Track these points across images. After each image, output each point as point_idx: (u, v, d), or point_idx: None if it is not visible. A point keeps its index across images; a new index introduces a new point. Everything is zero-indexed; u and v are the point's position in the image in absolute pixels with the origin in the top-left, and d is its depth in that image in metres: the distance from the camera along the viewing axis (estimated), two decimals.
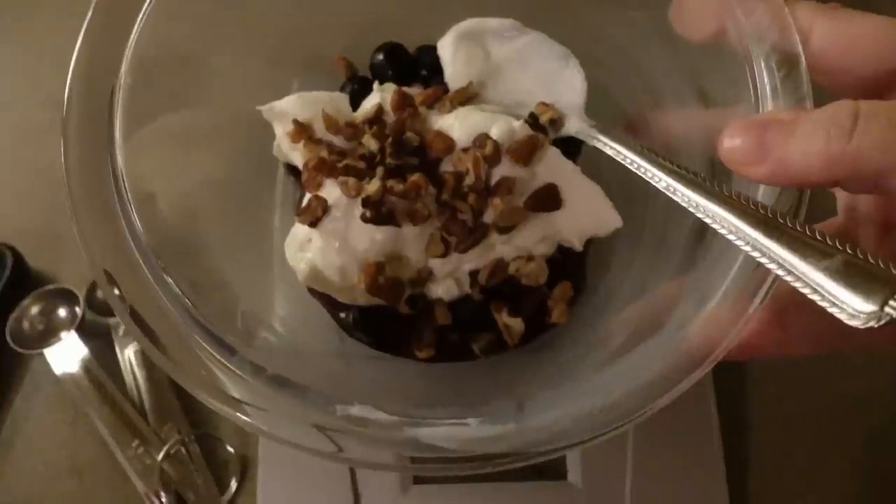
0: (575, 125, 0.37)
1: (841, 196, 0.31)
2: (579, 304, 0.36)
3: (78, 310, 0.48)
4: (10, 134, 0.57)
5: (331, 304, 0.37)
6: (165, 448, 0.44)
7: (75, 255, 0.50)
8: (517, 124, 0.35)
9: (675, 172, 0.29)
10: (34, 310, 0.48)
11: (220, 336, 0.29)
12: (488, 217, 0.34)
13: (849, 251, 0.23)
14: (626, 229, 0.35)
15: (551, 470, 0.42)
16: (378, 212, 0.33)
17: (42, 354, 0.47)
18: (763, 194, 0.28)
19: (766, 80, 0.30)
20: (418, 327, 0.36)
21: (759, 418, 0.45)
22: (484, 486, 0.42)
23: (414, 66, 0.41)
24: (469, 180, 0.34)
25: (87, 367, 0.47)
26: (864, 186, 0.25)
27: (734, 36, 0.31)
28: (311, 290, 0.37)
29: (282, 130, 0.38)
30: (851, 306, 0.21)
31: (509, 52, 0.40)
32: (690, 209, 0.28)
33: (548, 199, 0.35)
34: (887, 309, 0.21)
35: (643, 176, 0.30)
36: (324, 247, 0.34)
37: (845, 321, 0.22)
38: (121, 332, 0.48)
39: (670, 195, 0.29)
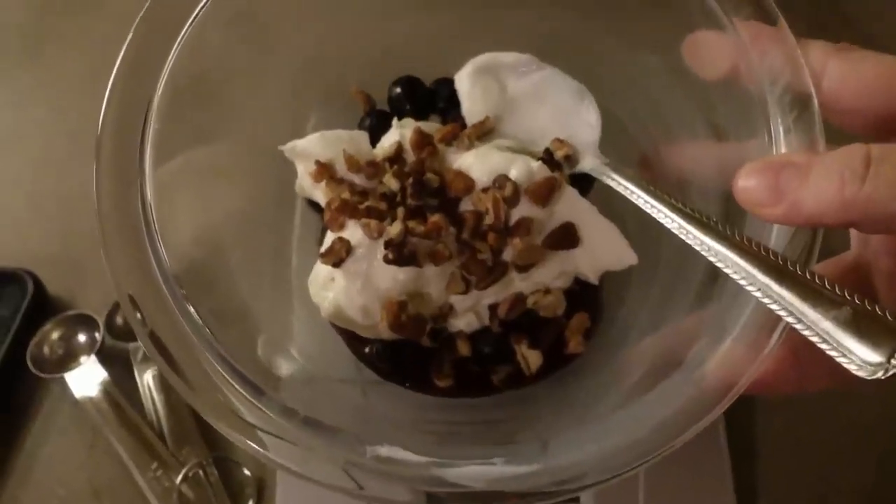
0: (589, 162, 0.37)
1: (854, 231, 0.32)
2: (596, 335, 0.36)
3: (97, 335, 0.49)
4: (32, 163, 0.58)
5: (353, 338, 0.37)
6: (184, 471, 0.45)
7: (95, 281, 0.52)
8: (535, 165, 0.35)
9: (687, 215, 0.30)
10: (54, 335, 0.49)
11: (244, 373, 0.30)
12: (507, 255, 0.35)
13: (857, 301, 0.23)
14: (642, 263, 0.35)
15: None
16: (400, 253, 0.33)
17: (62, 379, 0.48)
18: (777, 234, 0.28)
19: (779, 119, 0.30)
20: (438, 358, 0.36)
21: (768, 446, 0.46)
22: None
23: (431, 99, 0.42)
24: (489, 220, 0.34)
25: (106, 391, 0.47)
26: (877, 228, 0.25)
27: (747, 75, 0.32)
28: (334, 325, 0.37)
29: (304, 169, 0.38)
30: (859, 357, 0.22)
31: (525, 87, 0.40)
32: (702, 252, 0.28)
33: (565, 237, 0.35)
34: (894, 361, 0.21)
35: (655, 216, 0.31)
36: (347, 286, 0.35)
37: (853, 372, 0.22)
38: (139, 357, 0.48)
39: (682, 237, 0.29)
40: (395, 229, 0.34)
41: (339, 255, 0.35)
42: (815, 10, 0.57)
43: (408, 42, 0.42)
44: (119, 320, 0.49)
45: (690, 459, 0.43)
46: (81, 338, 0.49)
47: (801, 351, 0.28)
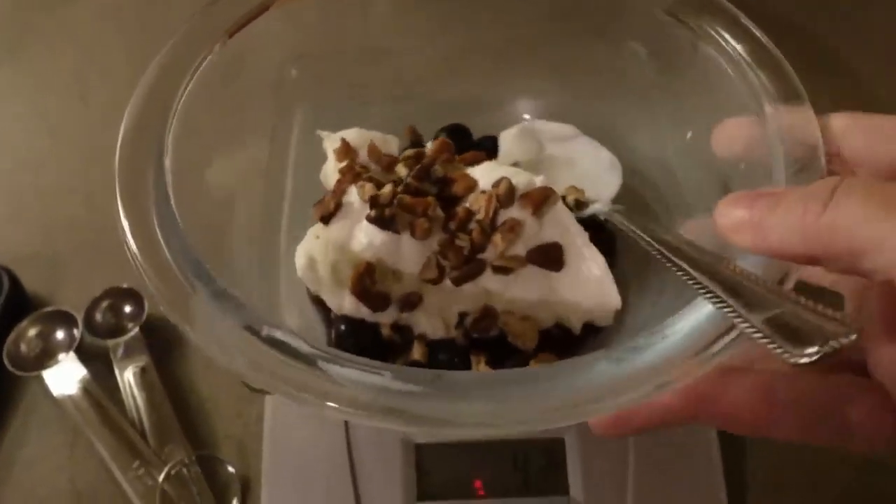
0: (598, 206, 0.39)
1: (847, 294, 0.30)
2: None
3: (76, 332, 0.48)
4: (10, 158, 0.57)
5: (327, 320, 0.38)
6: (166, 469, 0.44)
7: (73, 277, 0.51)
8: (537, 179, 0.36)
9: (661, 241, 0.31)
10: (32, 332, 0.48)
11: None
12: (488, 256, 0.35)
13: (791, 300, 0.23)
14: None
15: (553, 486, 0.42)
16: (382, 214, 0.35)
17: (40, 377, 0.47)
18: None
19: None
20: (392, 354, 0.37)
21: (759, 439, 0.44)
22: (486, 501, 0.42)
23: (474, 148, 0.43)
24: (479, 215, 0.35)
25: (85, 388, 0.47)
26: (840, 264, 0.23)
27: (762, 149, 0.33)
28: (315, 301, 0.38)
29: (332, 157, 0.40)
30: (792, 351, 0.22)
31: (561, 151, 0.43)
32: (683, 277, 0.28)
33: (549, 256, 0.36)
34: (821, 351, 0.21)
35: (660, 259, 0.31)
36: (325, 242, 0.36)
37: (785, 359, 0.22)
38: (119, 354, 0.48)
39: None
40: (385, 191, 0.35)
41: (327, 208, 0.36)
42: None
43: (467, 94, 0.46)
44: (98, 317, 0.49)
45: (681, 450, 0.42)
46: (60, 335, 0.48)
47: (775, 388, 0.26)
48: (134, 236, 0.30)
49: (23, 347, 0.48)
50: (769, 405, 0.26)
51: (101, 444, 0.45)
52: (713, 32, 0.36)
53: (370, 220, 0.35)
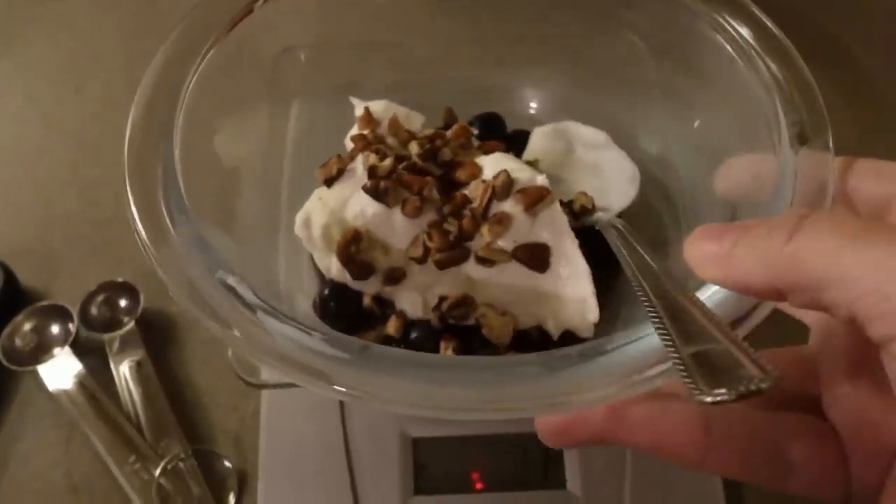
0: (600, 216, 0.39)
1: (813, 328, 0.29)
2: None
3: (72, 326, 0.48)
4: (4, 151, 0.57)
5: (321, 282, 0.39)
6: (163, 463, 0.44)
7: (69, 271, 0.51)
8: (539, 177, 0.36)
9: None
10: (27, 326, 0.48)
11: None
12: (475, 244, 0.36)
13: (732, 340, 0.23)
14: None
15: (551, 479, 0.42)
16: (377, 185, 0.35)
17: (35, 371, 0.47)
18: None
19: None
20: (369, 326, 0.38)
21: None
22: (483, 496, 0.42)
23: (505, 140, 0.43)
24: (473, 203, 0.35)
25: (81, 383, 0.46)
26: (803, 297, 0.22)
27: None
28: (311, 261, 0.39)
29: (357, 125, 0.41)
30: (705, 389, 0.21)
31: (588, 158, 0.43)
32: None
33: (536, 256, 0.36)
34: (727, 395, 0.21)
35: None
36: (323, 202, 0.37)
37: (694, 396, 0.21)
38: (115, 348, 0.47)
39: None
40: (385, 163, 0.36)
41: (329, 172, 0.37)
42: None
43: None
44: (94, 311, 0.48)
45: None
46: (55, 329, 0.48)
47: (712, 417, 0.25)
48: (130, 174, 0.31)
49: (18, 342, 0.48)
50: (705, 435, 0.25)
51: (96, 439, 0.45)
52: (723, 21, 0.36)
53: (365, 189, 0.36)
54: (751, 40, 0.35)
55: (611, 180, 0.41)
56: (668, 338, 0.24)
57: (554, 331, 0.37)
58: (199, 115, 0.34)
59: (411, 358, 0.29)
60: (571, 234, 0.36)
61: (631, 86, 0.43)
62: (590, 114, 0.44)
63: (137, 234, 0.30)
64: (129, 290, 0.49)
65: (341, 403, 0.43)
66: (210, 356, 0.49)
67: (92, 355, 0.48)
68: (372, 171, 0.36)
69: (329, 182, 0.37)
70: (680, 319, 0.25)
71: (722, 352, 0.22)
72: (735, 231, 0.24)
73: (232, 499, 0.44)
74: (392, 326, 0.37)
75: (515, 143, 0.43)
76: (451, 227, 0.35)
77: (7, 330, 0.47)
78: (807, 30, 0.59)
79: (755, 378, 0.21)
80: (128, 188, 0.31)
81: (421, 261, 0.36)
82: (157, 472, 0.44)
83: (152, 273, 0.29)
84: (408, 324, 0.38)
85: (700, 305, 0.25)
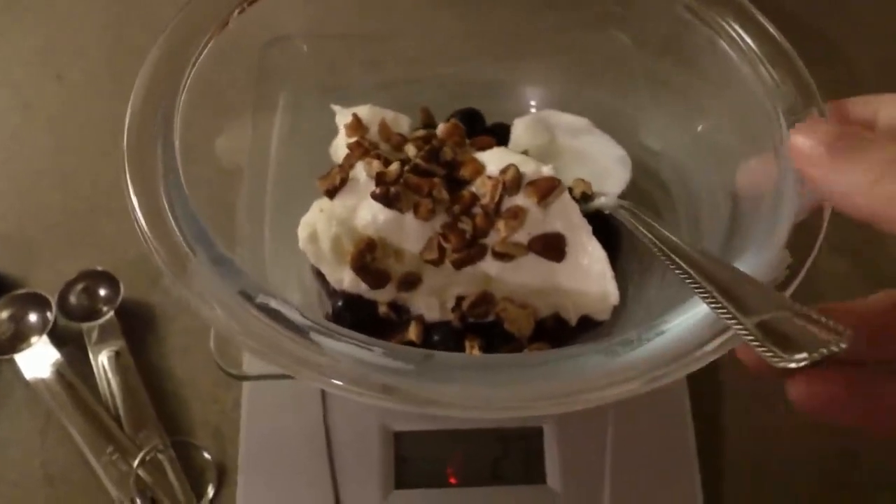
0: (605, 201, 0.39)
1: None
2: None
3: (49, 315, 0.47)
4: None
5: (327, 294, 0.39)
6: (141, 455, 0.43)
7: (47, 259, 0.50)
8: (545, 168, 0.36)
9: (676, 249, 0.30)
10: (4, 314, 0.47)
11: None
12: (490, 241, 0.35)
13: (785, 308, 0.24)
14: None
15: (531, 474, 0.42)
16: (387, 192, 0.35)
17: (12, 360, 0.46)
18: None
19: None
20: (388, 334, 0.37)
21: (734, 427, 0.46)
22: (464, 490, 0.42)
23: (485, 134, 0.43)
24: (483, 200, 0.35)
25: (59, 372, 0.46)
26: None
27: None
28: (316, 275, 0.39)
29: (343, 132, 0.40)
30: (780, 354, 0.22)
31: (573, 144, 0.43)
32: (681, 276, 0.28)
33: (551, 246, 0.36)
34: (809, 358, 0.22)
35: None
36: (329, 216, 0.36)
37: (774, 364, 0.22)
38: (94, 337, 0.47)
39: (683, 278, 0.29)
40: (391, 169, 0.36)
41: (332, 182, 0.36)
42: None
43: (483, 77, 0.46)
44: (73, 300, 0.48)
45: (657, 439, 0.43)
46: (32, 317, 0.47)
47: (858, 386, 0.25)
48: (139, 202, 0.30)
49: None
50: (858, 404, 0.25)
51: (74, 429, 0.44)
52: (725, 24, 0.36)
53: (375, 196, 0.35)
54: (749, 40, 0.35)
55: (600, 165, 0.42)
56: (723, 311, 0.25)
57: (573, 316, 0.37)
58: (193, 111, 0.34)
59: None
60: (584, 221, 0.37)
61: (624, 82, 0.43)
62: (587, 112, 0.44)
63: (157, 262, 0.29)
64: (109, 279, 0.48)
65: (322, 395, 0.43)
66: (190, 347, 0.48)
67: (70, 345, 0.47)
68: (380, 178, 0.36)
69: (331, 193, 0.37)
70: (730, 292, 0.25)
71: (786, 319, 0.23)
72: (851, 143, 0.25)
73: (211, 491, 0.44)
74: (413, 332, 0.37)
75: (497, 136, 0.43)
76: (466, 225, 0.35)
77: None
78: (801, 29, 0.59)
79: (831, 340, 0.21)
80: (134, 200, 0.30)
81: (437, 262, 0.35)
82: (136, 463, 0.43)
83: (132, 262, 0.29)
84: (427, 327, 0.37)
85: (744, 277, 0.26)
